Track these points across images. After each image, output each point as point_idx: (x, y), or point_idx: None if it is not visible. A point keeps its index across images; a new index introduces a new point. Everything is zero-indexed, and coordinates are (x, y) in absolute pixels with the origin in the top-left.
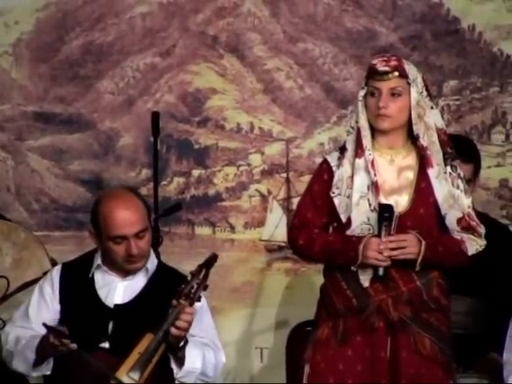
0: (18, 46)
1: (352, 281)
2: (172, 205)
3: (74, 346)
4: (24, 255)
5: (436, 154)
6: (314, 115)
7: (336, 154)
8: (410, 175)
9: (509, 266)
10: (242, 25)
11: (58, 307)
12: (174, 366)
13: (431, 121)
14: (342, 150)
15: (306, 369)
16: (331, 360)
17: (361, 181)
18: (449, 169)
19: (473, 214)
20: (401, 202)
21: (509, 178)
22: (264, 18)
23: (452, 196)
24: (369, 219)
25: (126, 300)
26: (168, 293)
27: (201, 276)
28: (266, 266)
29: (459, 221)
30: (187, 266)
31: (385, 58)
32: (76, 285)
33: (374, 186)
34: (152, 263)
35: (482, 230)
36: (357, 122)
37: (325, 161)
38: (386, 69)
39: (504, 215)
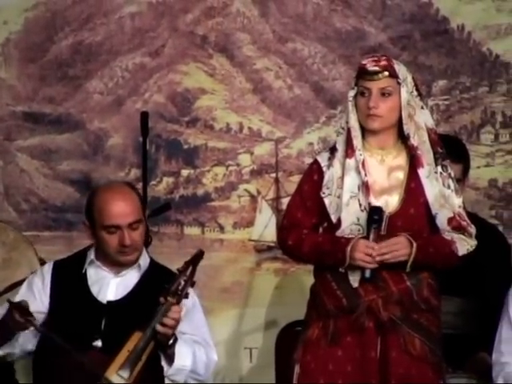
0: (7, 45)
1: (342, 281)
2: (161, 205)
3: (36, 323)
4: (13, 255)
5: (426, 154)
6: (303, 115)
7: (326, 155)
8: (401, 175)
9: (498, 266)
10: (232, 25)
11: (46, 302)
12: (164, 363)
13: (421, 120)
14: (333, 150)
15: (296, 369)
16: (321, 360)
17: (351, 181)
18: (439, 168)
19: (463, 213)
20: (391, 202)
21: (498, 177)
22: (253, 17)
23: (443, 196)
24: (358, 219)
25: (119, 296)
26: (160, 289)
27: (187, 273)
28: (255, 266)
29: (450, 221)
30: (176, 266)
31: (375, 58)
32: (68, 281)
33: (365, 187)
34: (145, 260)
35: (472, 229)
36: (347, 122)
37: (315, 161)
38: (376, 69)
39: (493, 215)
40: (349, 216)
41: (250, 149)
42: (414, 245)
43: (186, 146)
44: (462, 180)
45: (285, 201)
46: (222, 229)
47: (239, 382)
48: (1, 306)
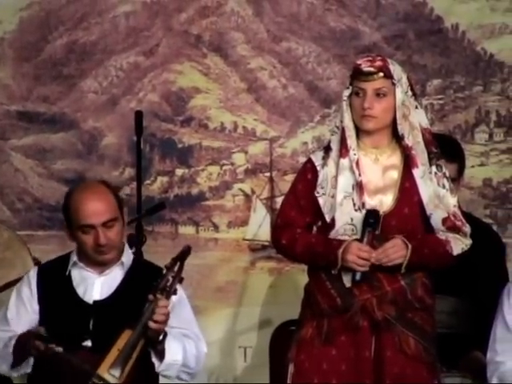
0: (2, 45)
1: (336, 280)
2: (155, 204)
3: (59, 349)
4: (7, 255)
5: (421, 154)
6: (298, 114)
7: (320, 154)
8: (395, 174)
9: (492, 266)
10: (226, 24)
11: (36, 308)
12: (154, 360)
13: (416, 120)
14: (327, 149)
15: (291, 368)
16: (315, 359)
17: (345, 181)
18: (434, 168)
19: (458, 213)
20: (385, 202)
21: (492, 177)
22: (247, 17)
23: (437, 196)
24: (352, 219)
25: (105, 296)
26: (145, 286)
27: (175, 269)
28: (249, 265)
29: (444, 221)
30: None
31: (370, 58)
32: (54, 284)
33: (359, 186)
34: (127, 257)
35: (467, 229)
36: (341, 121)
37: (309, 160)
38: (371, 69)
39: (487, 214)
40: (343, 216)
41: (245, 148)
42: (410, 247)
43: (180, 146)
44: (457, 179)
45: (279, 200)
46: (216, 228)
47: (233, 380)
48: None
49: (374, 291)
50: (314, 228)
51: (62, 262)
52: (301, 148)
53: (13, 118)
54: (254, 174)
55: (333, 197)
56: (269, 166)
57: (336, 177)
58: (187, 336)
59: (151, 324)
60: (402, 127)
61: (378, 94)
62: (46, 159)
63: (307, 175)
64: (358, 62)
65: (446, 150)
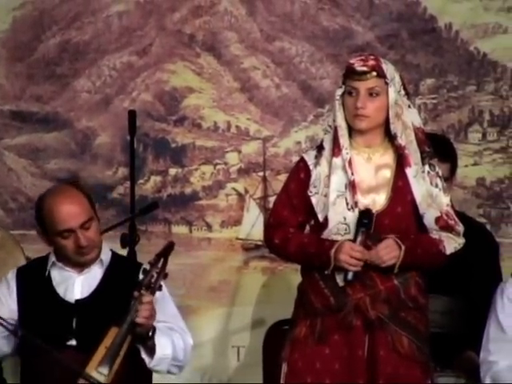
0: None
1: (330, 280)
2: (149, 203)
3: (7, 323)
4: (0, 254)
5: (414, 154)
6: (291, 114)
7: (313, 153)
8: (388, 173)
9: (485, 265)
10: (219, 23)
11: (14, 307)
12: (144, 356)
13: (409, 120)
14: (320, 148)
15: (284, 367)
16: (309, 359)
17: (338, 180)
18: (427, 168)
19: (451, 212)
20: (378, 201)
21: (486, 176)
22: (241, 16)
23: (430, 195)
24: (345, 218)
25: (86, 294)
26: (126, 282)
27: (159, 265)
28: (242, 264)
29: (437, 220)
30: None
31: (362, 58)
32: (33, 285)
33: (351, 186)
34: (106, 254)
35: (460, 228)
36: (334, 120)
37: (302, 159)
38: (364, 69)
39: (481, 214)
40: (336, 215)
41: (238, 147)
42: (403, 248)
43: (173, 145)
44: (449, 179)
45: (272, 199)
46: (209, 227)
47: (227, 380)
48: None
49: (368, 290)
50: (307, 227)
51: (41, 264)
52: (294, 147)
53: (6, 118)
54: (247, 174)
55: (326, 196)
56: (262, 165)
57: (329, 176)
58: (173, 329)
59: (139, 320)
60: (395, 126)
61: (371, 93)
62: (40, 159)
63: (300, 174)
64: (351, 62)
65: (438, 149)
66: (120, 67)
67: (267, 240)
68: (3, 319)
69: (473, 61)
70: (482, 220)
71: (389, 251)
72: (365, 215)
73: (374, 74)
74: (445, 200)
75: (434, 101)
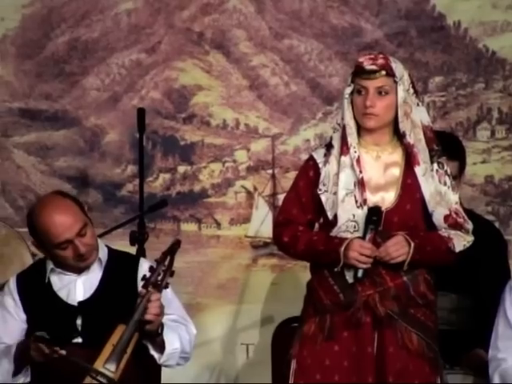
0: (4, 42)
1: (339, 277)
2: (157, 201)
3: (63, 352)
4: (5, 251)
5: (422, 152)
6: (300, 112)
7: (322, 151)
8: (396, 171)
9: (494, 263)
10: (228, 21)
11: (24, 317)
12: (153, 352)
13: (417, 118)
14: (329, 146)
15: (293, 364)
16: (318, 356)
17: (346, 178)
18: (435, 166)
19: (460, 210)
20: (387, 198)
21: (494, 174)
22: (249, 14)
23: (439, 193)
24: (354, 216)
25: (88, 295)
26: (126, 276)
27: (166, 263)
28: (251, 262)
29: (446, 218)
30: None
31: (372, 56)
32: (35, 292)
33: (360, 183)
34: (103, 253)
35: (469, 225)
36: (343, 119)
37: (311, 157)
38: (373, 68)
39: (489, 211)
40: (345, 213)
41: (247, 145)
42: (412, 245)
43: (182, 143)
44: (458, 177)
45: (281, 197)
46: (218, 225)
47: (235, 377)
48: None
49: (377, 287)
50: (316, 225)
51: (39, 270)
52: (303, 145)
53: (15, 116)
54: (256, 171)
55: (335, 194)
56: (271, 163)
57: (338, 174)
58: (177, 321)
59: (149, 317)
60: (404, 125)
61: (380, 92)
62: (48, 156)
63: (309, 172)
64: (360, 60)
65: (446, 147)
66: (129, 65)
67: (276, 238)
68: (57, 348)
69: (481, 58)
70: (491, 218)
71: (398, 248)
72: (374, 212)
73: (383, 72)
74: (453, 198)
75: (443, 98)
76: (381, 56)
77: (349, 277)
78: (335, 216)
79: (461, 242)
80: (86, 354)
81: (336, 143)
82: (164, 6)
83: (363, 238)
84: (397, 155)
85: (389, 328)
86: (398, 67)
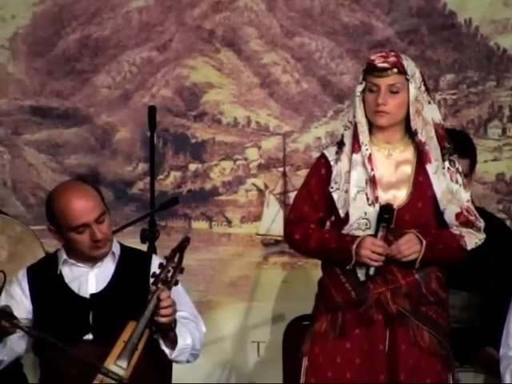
0: (15, 40)
1: (351, 274)
2: (168, 199)
3: (23, 324)
4: (19, 249)
5: (434, 150)
6: (311, 109)
7: (334, 149)
8: (408, 169)
9: (505, 261)
10: (239, 19)
11: (30, 307)
12: (164, 348)
13: (429, 116)
14: (340, 144)
15: (304, 362)
16: (329, 353)
17: (358, 175)
18: (447, 164)
19: (472, 207)
20: (399, 196)
21: (505, 172)
22: (260, 12)
23: (450, 191)
24: (366, 213)
25: (101, 288)
26: (138, 273)
27: (175, 260)
28: (262, 260)
29: (458, 216)
30: (184, 261)
31: (383, 54)
32: (46, 283)
33: (372, 181)
34: (116, 247)
35: (481, 223)
36: (354, 116)
37: (323, 155)
38: (385, 65)
39: (500, 209)
40: (356, 210)
41: (258, 143)
42: (424, 243)
43: (193, 141)
44: (469, 175)
45: (292, 195)
46: (229, 223)
47: (246, 375)
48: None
49: (388, 284)
50: (328, 223)
51: (51, 262)
52: (314, 143)
53: (26, 113)
54: (267, 169)
55: (346, 192)
56: (282, 160)
57: (349, 172)
58: (187, 318)
59: (162, 319)
60: (415, 123)
61: (392, 89)
62: (59, 154)
63: (321, 170)
64: (372, 58)
65: (457, 145)
66: (140, 63)
67: (287, 235)
68: (16, 321)
69: (492, 56)
70: (502, 215)
71: (410, 246)
72: (386, 210)
73: (395, 70)
74: (465, 196)
75: (454, 96)
76: (392, 54)
77: (360, 274)
78: (347, 214)
79: (472, 239)
80: (97, 352)
81: (347, 141)
82: (175, 4)
83: (375, 235)
84: (408, 153)
85: (400, 325)
86: (409, 65)
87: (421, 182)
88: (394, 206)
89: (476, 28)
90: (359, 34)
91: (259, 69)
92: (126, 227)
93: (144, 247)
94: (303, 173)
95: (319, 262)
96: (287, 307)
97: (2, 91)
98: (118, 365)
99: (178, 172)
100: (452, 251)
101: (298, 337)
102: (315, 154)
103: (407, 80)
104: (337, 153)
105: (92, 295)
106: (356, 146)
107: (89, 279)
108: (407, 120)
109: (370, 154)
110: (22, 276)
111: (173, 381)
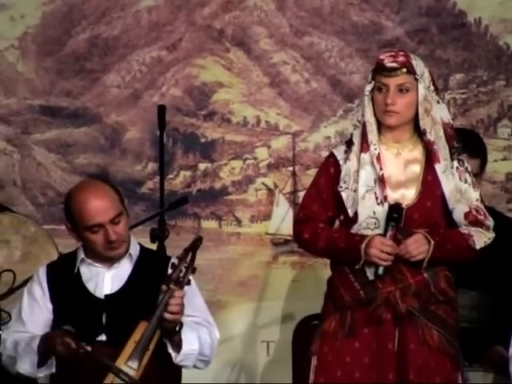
0: (25, 39)
1: (360, 273)
2: (178, 198)
3: (89, 348)
4: (33, 249)
5: (442, 149)
6: (320, 109)
7: (343, 148)
8: (417, 168)
9: None
10: (249, 18)
11: (50, 307)
12: (171, 351)
13: (438, 115)
14: (349, 143)
15: (314, 361)
16: (338, 352)
17: (367, 175)
18: (456, 163)
19: (481, 206)
20: (408, 196)
21: None
22: (270, 11)
23: (459, 191)
24: (375, 213)
25: (116, 289)
26: (155, 276)
27: (188, 260)
28: (272, 259)
29: (466, 215)
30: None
31: (392, 54)
32: (64, 282)
33: (380, 180)
34: (135, 249)
35: (490, 222)
36: (363, 116)
37: (332, 155)
38: (394, 65)
39: (510, 208)
40: (365, 210)
41: (267, 142)
42: (432, 243)
43: (203, 140)
44: (479, 174)
45: (302, 194)
46: (239, 222)
47: (256, 374)
48: (18, 299)
49: (397, 284)
50: (337, 222)
51: (69, 260)
52: (323, 142)
53: (36, 113)
54: (276, 169)
55: (355, 191)
56: (291, 160)
57: (358, 171)
58: (200, 324)
59: (167, 315)
60: (424, 122)
61: (401, 89)
62: (69, 153)
63: (330, 169)
64: (381, 58)
65: (467, 144)
66: (149, 62)
67: (296, 235)
68: (83, 344)
69: (502, 55)
70: None
71: (418, 246)
72: (394, 209)
73: (404, 70)
74: (474, 195)
75: (464, 96)
76: (401, 53)
77: (369, 274)
78: (356, 213)
79: (481, 238)
80: (110, 353)
81: (356, 140)
82: (185, 3)
83: (384, 235)
84: (417, 152)
85: (409, 324)
86: (418, 64)
87: (429, 182)
88: (403, 205)
89: (485, 27)
90: (369, 33)
91: (269, 68)
92: (135, 227)
93: (153, 247)
94: (313, 172)
95: (328, 262)
96: (297, 307)
97: (12, 90)
98: (128, 365)
99: (187, 171)
100: (460, 251)
101: (308, 336)
102: (325, 154)
103: (416, 80)
104: (346, 152)
105: (106, 296)
106: (365, 145)
107: (105, 280)
108: (416, 119)
109: (379, 154)
110: (42, 274)
111: (182, 380)
